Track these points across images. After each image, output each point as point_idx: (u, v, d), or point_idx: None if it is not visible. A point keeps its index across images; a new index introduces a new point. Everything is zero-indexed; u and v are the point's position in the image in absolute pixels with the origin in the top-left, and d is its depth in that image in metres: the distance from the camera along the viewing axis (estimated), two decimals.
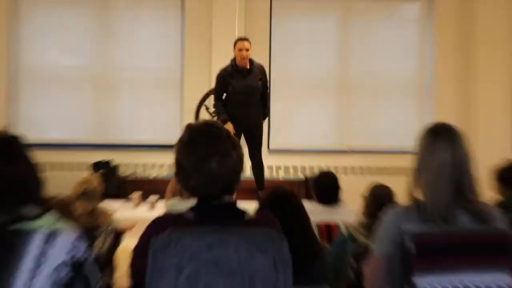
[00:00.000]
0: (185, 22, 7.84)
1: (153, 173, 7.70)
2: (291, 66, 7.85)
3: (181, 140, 1.92)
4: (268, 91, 5.91)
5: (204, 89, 7.56)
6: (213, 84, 6.02)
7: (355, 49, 8.19)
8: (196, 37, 7.71)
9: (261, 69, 5.70)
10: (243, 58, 5.49)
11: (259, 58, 6.25)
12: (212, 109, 6.63)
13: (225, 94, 5.73)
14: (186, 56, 7.78)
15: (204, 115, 7.42)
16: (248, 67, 5.56)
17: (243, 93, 5.50)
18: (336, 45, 8.15)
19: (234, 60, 5.58)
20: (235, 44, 5.56)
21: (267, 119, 6.21)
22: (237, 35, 6.92)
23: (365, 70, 8.15)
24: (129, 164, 7.66)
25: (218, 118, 5.44)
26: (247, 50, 5.52)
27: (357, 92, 8.20)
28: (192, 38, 7.76)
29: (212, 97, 6.51)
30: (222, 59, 6.03)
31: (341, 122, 8.16)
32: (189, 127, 1.93)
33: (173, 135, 6.47)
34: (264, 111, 5.86)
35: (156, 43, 7.79)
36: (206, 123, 1.93)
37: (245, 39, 5.59)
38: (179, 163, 1.88)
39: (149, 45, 7.78)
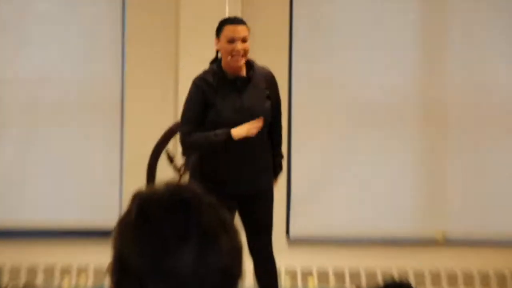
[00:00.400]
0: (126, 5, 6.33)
1: (66, 285, 6.56)
2: (325, 80, 6.42)
3: (125, 220, 1.50)
4: (281, 116, 4.77)
5: (164, 123, 5.90)
6: (179, 113, 5.08)
7: (451, 51, 6.53)
8: (148, 31, 6.31)
9: (268, 77, 4.56)
10: (235, 56, 4.33)
11: (271, 65, 5.03)
12: (180, 160, 5.66)
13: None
14: (129, 64, 6.23)
15: (165, 172, 5.81)
16: (244, 73, 4.44)
17: (235, 123, 4.35)
18: (415, 43, 6.49)
19: (219, 61, 4.43)
20: (219, 30, 4.41)
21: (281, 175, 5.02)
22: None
23: (471, 89, 6.48)
24: (20, 266, 6.52)
25: (211, 143, 4.36)
26: (243, 40, 4.33)
27: (456, 128, 6.54)
28: (141, 32, 6.30)
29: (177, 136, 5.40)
30: (196, 69, 4.92)
31: (425, 186, 6.63)
32: (139, 197, 1.49)
33: (107, 212, 5.97)
34: (276, 157, 4.72)
35: (66, 42, 6.38)
36: (171, 188, 1.50)
37: (239, 20, 4.48)
38: (123, 263, 1.49)
39: (55, 44, 6.47)
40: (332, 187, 6.25)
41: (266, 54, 5.60)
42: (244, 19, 5.13)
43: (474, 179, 6.50)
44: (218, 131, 4.34)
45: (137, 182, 5.18)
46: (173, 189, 1.50)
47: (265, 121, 4.42)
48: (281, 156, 4.72)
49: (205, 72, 4.40)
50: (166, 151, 5.51)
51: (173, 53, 5.90)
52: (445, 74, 6.44)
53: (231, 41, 4.29)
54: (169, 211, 1.47)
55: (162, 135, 5.54)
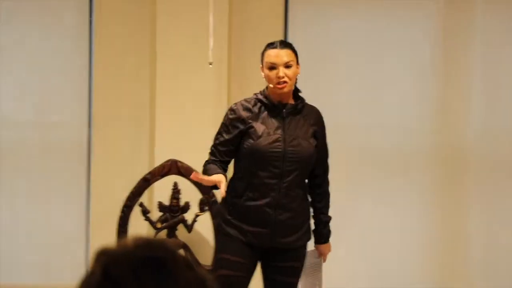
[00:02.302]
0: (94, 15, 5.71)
1: None
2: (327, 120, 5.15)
3: (88, 283, 1.41)
4: (327, 165, 4.16)
5: (138, 170, 5.37)
6: (156, 160, 5.06)
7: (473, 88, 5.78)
8: (119, 65, 5.58)
9: (318, 114, 4.08)
10: (279, 84, 3.89)
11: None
12: (156, 213, 5.23)
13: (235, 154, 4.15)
14: (97, 104, 5.58)
15: (139, 226, 5.30)
16: (290, 100, 3.97)
17: (272, 153, 3.90)
18: (433, 78, 5.65)
19: (264, 90, 4.02)
20: (262, 56, 4.01)
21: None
22: (211, 38, 4.99)
23: (494, 133, 5.64)
24: None
25: (204, 173, 3.98)
26: (287, 66, 3.88)
27: (476, 176, 5.69)
28: (111, 65, 5.59)
29: (157, 187, 5.21)
30: (175, 109, 5.14)
31: (441, 241, 5.73)
32: (104, 255, 1.41)
33: (72, 272, 5.34)
34: (320, 214, 4.05)
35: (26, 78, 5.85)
36: (141, 244, 1.42)
37: (281, 44, 3.98)
38: None
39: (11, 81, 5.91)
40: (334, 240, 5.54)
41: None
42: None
43: (498, 231, 5.63)
44: (214, 169, 3.98)
45: (106, 238, 4.89)
46: (143, 246, 1.39)
47: (307, 163, 4.00)
48: (327, 220, 4.11)
49: (246, 99, 4.05)
50: (140, 203, 5.02)
51: (147, 88, 5.32)
52: (465, 114, 5.73)
53: (272, 67, 3.94)
54: (139, 272, 1.37)
55: (136, 185, 5.02)
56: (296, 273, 3.95)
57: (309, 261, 4.10)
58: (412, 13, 5.48)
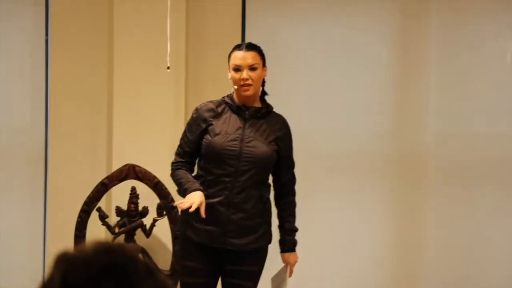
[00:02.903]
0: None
1: None
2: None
3: None
4: (291, 175, 4.04)
5: (96, 175, 5.22)
6: (113, 165, 4.93)
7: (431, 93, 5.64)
8: (75, 68, 5.40)
9: (284, 124, 3.97)
10: (243, 86, 3.80)
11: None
12: (114, 219, 5.01)
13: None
14: (53, 109, 5.36)
15: (97, 231, 5.10)
16: (256, 103, 3.89)
17: (228, 153, 3.78)
18: (392, 82, 5.50)
19: (231, 94, 3.95)
20: (228, 58, 3.92)
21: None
22: (169, 42, 4.85)
23: (455, 137, 5.52)
24: None
25: (179, 189, 3.86)
26: (252, 68, 3.80)
27: (437, 180, 5.51)
28: (67, 70, 5.38)
29: (116, 193, 5.03)
30: (133, 111, 4.94)
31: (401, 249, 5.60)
32: (63, 261, 1.37)
33: (28, 278, 5.25)
34: (285, 223, 3.94)
35: None
36: (101, 249, 1.37)
37: (246, 46, 3.90)
38: None
39: None
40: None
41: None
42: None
43: (456, 236, 5.46)
44: (189, 185, 3.84)
45: (64, 243, 4.73)
46: (104, 252, 1.35)
47: (264, 165, 3.88)
48: (292, 229, 3.97)
49: (212, 100, 3.98)
50: (98, 208, 4.94)
51: (105, 93, 5.17)
52: (424, 117, 5.47)
53: (237, 69, 3.87)
54: (99, 281, 1.32)
55: (93, 189, 4.92)
56: (253, 277, 3.85)
57: (277, 274, 3.98)
58: (368, 19, 5.36)
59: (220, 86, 4.10)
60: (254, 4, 5.34)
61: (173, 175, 3.90)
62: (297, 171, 4.22)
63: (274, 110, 3.94)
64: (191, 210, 3.56)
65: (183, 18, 5.11)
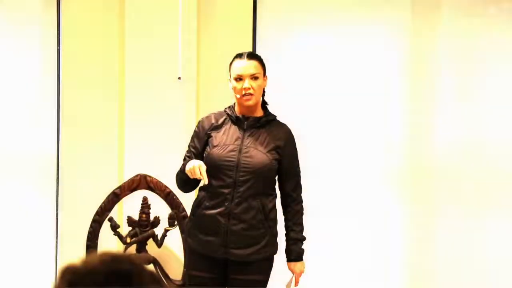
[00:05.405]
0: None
1: None
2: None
3: None
4: (297, 186, 3.92)
5: (107, 184, 5.11)
6: (125, 174, 4.87)
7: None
8: (86, 74, 5.32)
9: (287, 133, 3.86)
10: (244, 96, 3.74)
11: None
12: (126, 229, 4.84)
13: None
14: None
15: (108, 241, 5.02)
16: (257, 112, 3.82)
17: (226, 164, 3.73)
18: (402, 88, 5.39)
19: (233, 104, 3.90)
20: (229, 68, 3.84)
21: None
22: (180, 52, 4.81)
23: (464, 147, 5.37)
24: None
25: (180, 178, 3.83)
26: (254, 77, 3.73)
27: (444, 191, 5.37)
28: (79, 77, 5.30)
29: (124, 206, 4.97)
30: (144, 124, 4.87)
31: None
32: (69, 272, 1.34)
33: (40, 287, 5.18)
34: (291, 232, 3.85)
35: None
36: (106, 259, 1.34)
37: (248, 55, 3.81)
38: None
39: None
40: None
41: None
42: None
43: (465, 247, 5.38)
44: (183, 164, 3.83)
45: (76, 253, 4.89)
46: (109, 261, 1.34)
47: (263, 174, 3.78)
48: (298, 238, 3.85)
49: (215, 112, 3.93)
50: (110, 218, 4.89)
51: (116, 103, 5.09)
52: (432, 130, 5.41)
53: (239, 79, 3.80)
54: (104, 286, 1.29)
55: (105, 199, 4.85)
56: (258, 286, 3.80)
57: (287, 284, 3.91)
58: (379, 28, 5.31)
59: (231, 96, 4.05)
60: (264, 14, 5.29)
61: (176, 179, 3.89)
62: (307, 181, 4.12)
63: (282, 118, 3.85)
64: (204, 181, 3.59)
65: (194, 28, 5.05)
